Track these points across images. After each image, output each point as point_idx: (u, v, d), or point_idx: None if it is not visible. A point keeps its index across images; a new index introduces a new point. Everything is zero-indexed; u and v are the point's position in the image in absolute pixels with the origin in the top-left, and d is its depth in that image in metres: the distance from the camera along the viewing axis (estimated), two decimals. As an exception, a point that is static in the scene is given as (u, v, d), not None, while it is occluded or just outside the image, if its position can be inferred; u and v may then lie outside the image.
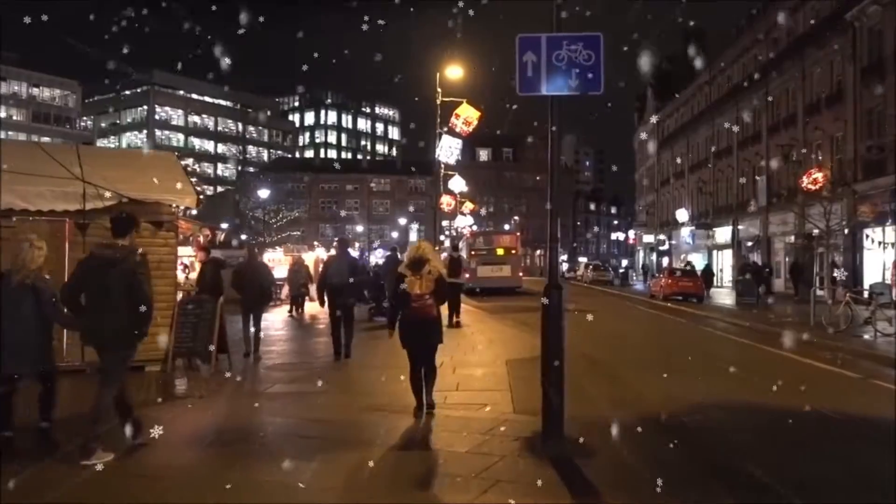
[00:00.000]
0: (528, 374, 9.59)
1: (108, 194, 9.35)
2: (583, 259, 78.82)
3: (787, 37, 35.52)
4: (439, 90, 22.96)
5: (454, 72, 22.96)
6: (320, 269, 12.85)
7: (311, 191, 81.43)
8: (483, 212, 66.98)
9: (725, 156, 43.21)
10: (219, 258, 12.49)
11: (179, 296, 10.63)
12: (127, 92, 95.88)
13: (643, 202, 66.91)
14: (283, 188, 69.04)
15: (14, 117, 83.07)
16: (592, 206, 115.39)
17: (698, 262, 41.70)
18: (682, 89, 52.78)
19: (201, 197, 9.86)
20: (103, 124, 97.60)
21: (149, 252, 9.99)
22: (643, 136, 66.62)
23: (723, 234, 43.07)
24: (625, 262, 76.21)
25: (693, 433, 6.87)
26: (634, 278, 57.61)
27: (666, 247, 54.17)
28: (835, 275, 23.16)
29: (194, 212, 9.70)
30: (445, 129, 24.76)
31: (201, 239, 11.77)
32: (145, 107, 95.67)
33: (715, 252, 45.30)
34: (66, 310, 5.83)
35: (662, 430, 6.71)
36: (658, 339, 16.06)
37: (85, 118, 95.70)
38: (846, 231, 24.73)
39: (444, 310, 17.55)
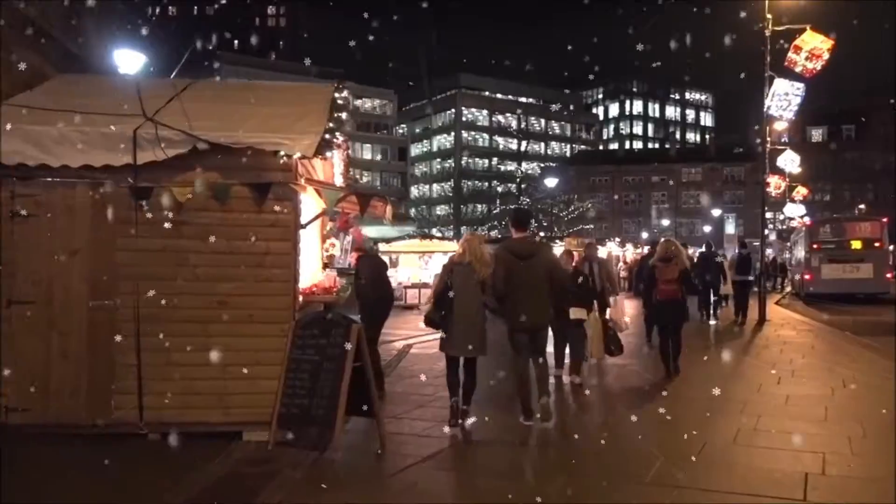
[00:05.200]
0: None
1: (169, 134, 5.51)
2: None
3: None
4: (769, 17, 16.12)
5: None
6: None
7: (613, 184, 76.82)
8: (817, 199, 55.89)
9: None
10: (376, 255, 8.40)
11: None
12: (436, 97, 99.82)
13: None
14: (583, 182, 65.58)
15: (344, 126, 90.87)
16: None
17: None
18: None
19: (329, 138, 5.50)
20: (417, 130, 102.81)
21: (237, 237, 6.00)
22: None
23: None
24: None
25: None
26: None
27: None
28: None
29: (306, 159, 5.43)
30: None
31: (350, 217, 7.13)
32: (453, 110, 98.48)
33: None
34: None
35: None
36: None
37: (402, 125, 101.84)
38: None
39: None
